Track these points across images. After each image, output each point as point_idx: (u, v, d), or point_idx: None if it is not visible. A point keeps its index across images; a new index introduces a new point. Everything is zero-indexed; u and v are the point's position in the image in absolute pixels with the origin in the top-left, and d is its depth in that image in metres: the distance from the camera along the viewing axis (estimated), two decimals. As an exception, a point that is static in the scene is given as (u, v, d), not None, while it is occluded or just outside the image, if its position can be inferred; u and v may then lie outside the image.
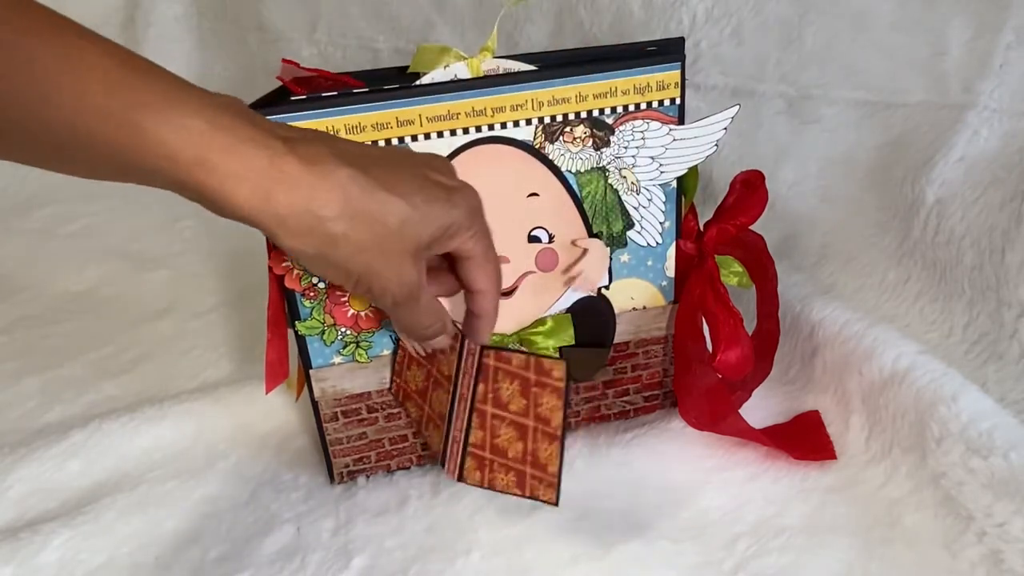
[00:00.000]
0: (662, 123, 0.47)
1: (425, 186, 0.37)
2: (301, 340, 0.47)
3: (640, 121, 0.46)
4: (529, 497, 0.43)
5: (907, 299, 0.57)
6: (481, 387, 0.44)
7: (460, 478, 0.45)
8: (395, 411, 0.50)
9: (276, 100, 0.43)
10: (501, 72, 0.45)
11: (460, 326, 0.44)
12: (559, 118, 0.45)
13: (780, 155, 0.67)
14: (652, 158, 0.47)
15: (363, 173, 0.35)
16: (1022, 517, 0.40)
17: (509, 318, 0.49)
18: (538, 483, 0.43)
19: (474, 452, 0.44)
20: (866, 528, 0.45)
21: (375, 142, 0.43)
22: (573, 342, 0.51)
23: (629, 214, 0.49)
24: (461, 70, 0.45)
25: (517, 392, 0.43)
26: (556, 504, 0.43)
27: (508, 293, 0.48)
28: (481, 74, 0.45)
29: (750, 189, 0.51)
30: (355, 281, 0.37)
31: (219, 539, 0.48)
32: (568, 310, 0.50)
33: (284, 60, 0.50)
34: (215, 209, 0.34)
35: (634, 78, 0.45)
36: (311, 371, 0.48)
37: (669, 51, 0.46)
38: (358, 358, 0.48)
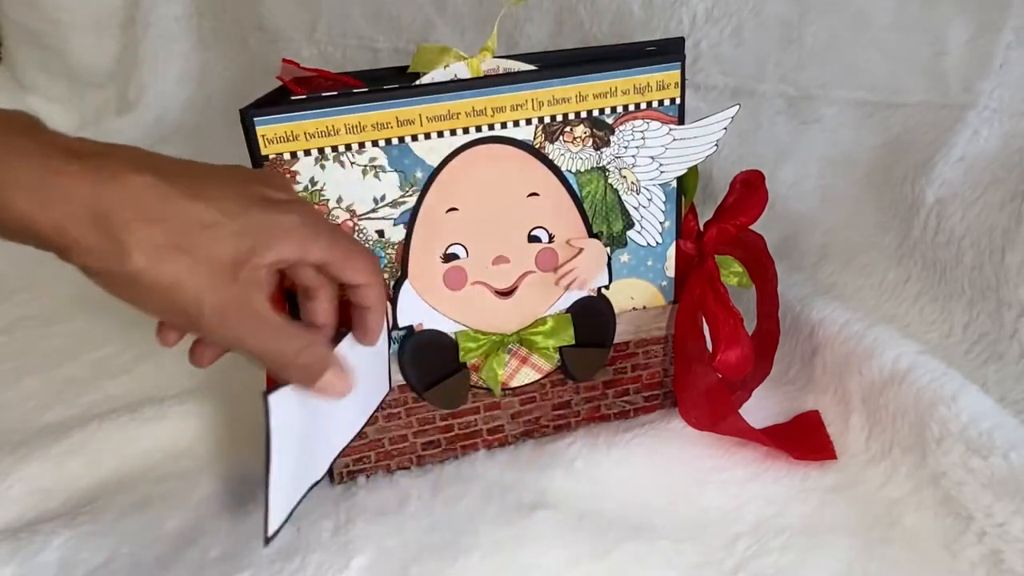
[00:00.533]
0: (662, 123, 0.47)
1: (246, 197, 0.34)
2: (301, 340, 0.47)
3: (640, 121, 0.46)
4: None
5: (907, 299, 0.57)
6: None
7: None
8: (395, 411, 0.50)
9: (276, 100, 0.43)
10: (501, 72, 0.45)
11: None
12: (559, 118, 0.45)
13: (780, 155, 0.67)
14: (652, 158, 0.47)
15: (163, 181, 0.32)
16: (1022, 517, 0.40)
17: (509, 318, 0.49)
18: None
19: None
20: (866, 528, 0.45)
21: (375, 142, 0.43)
22: (573, 342, 0.51)
23: (629, 214, 0.49)
24: (461, 70, 0.45)
25: None
26: (265, 545, 0.38)
27: (508, 293, 0.48)
28: (481, 74, 0.45)
29: (750, 189, 0.51)
30: (166, 302, 0.33)
31: (219, 539, 0.48)
32: (568, 310, 0.50)
33: (284, 60, 0.50)
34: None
35: (634, 78, 0.45)
36: (311, 371, 0.48)
37: (669, 51, 0.46)
38: (358, 358, 0.48)
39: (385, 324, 0.44)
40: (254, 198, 0.34)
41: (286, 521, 0.39)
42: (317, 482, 0.42)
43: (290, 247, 0.35)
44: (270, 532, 0.37)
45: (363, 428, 0.45)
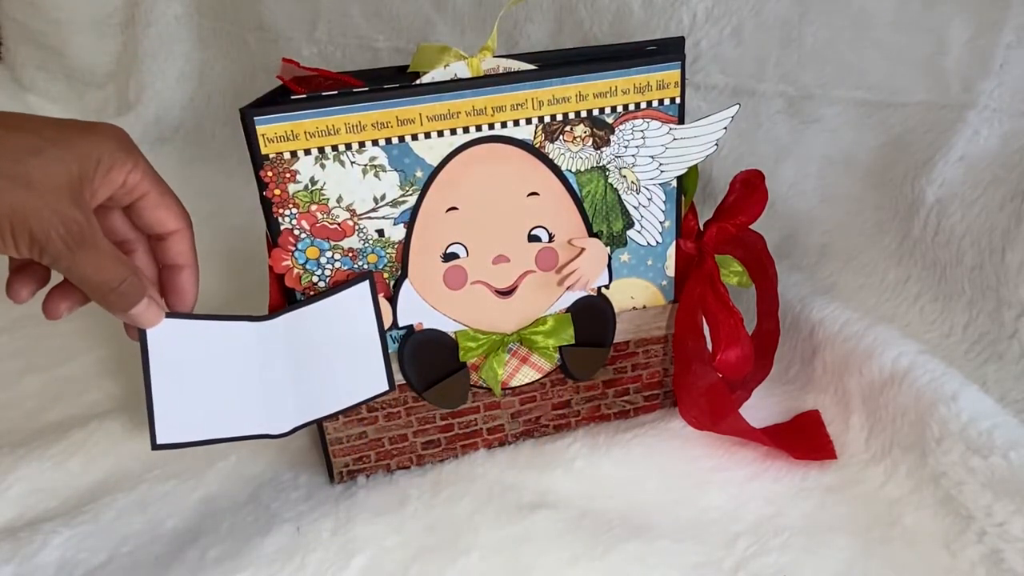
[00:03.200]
0: (662, 122, 0.47)
1: (57, 123, 0.34)
2: (301, 339, 0.47)
3: (640, 120, 0.46)
4: None
5: (907, 299, 0.57)
6: None
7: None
8: (395, 410, 0.50)
9: (276, 99, 0.43)
10: (501, 71, 0.45)
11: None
12: (559, 117, 0.45)
13: (780, 155, 0.67)
14: (652, 157, 0.47)
15: None
16: (1022, 517, 0.40)
17: (509, 317, 0.49)
18: None
19: None
20: (866, 528, 0.45)
21: (375, 141, 0.43)
22: (573, 342, 0.51)
23: (629, 213, 0.49)
24: (461, 69, 0.45)
25: None
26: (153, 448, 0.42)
27: (508, 293, 0.48)
28: (481, 73, 0.45)
29: (750, 188, 0.51)
30: (10, 231, 0.32)
31: (219, 539, 0.48)
32: (568, 310, 0.50)
33: (284, 59, 0.50)
34: None
35: (634, 77, 0.45)
36: (311, 371, 0.48)
37: (669, 50, 0.46)
38: (358, 358, 0.48)
39: (378, 321, 0.44)
40: (64, 122, 0.35)
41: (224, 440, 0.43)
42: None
43: (116, 175, 0.35)
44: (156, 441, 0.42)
45: (342, 411, 0.46)
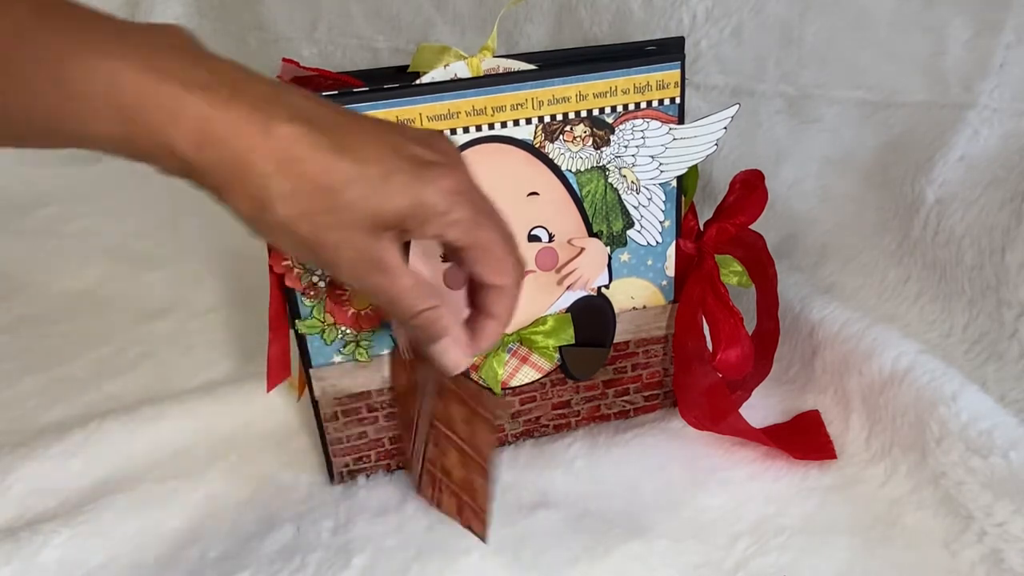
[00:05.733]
0: (662, 122, 0.47)
1: (391, 156, 0.32)
2: (301, 339, 0.47)
3: (640, 120, 0.46)
4: (464, 526, 0.44)
5: (907, 299, 0.57)
6: (441, 405, 0.43)
7: (419, 490, 0.45)
8: (395, 410, 0.50)
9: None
10: (501, 71, 0.45)
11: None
12: (559, 117, 0.45)
13: (780, 155, 0.67)
14: (652, 157, 0.47)
15: (314, 131, 0.31)
16: (1022, 516, 0.40)
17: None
18: (472, 514, 0.43)
19: (428, 468, 0.45)
20: (866, 527, 0.45)
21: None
22: (573, 341, 0.51)
23: (629, 213, 0.49)
24: (461, 69, 0.45)
25: (463, 418, 0.43)
26: (485, 541, 0.42)
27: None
28: (481, 73, 0.45)
29: (750, 188, 0.51)
30: (306, 250, 0.33)
31: (219, 539, 0.48)
32: (568, 309, 0.50)
33: (284, 59, 0.50)
34: (152, 161, 0.30)
35: (634, 77, 0.45)
36: (311, 370, 0.48)
37: (669, 50, 0.46)
38: (358, 357, 0.48)
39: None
40: (404, 158, 0.33)
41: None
42: None
43: (432, 228, 0.33)
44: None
45: None
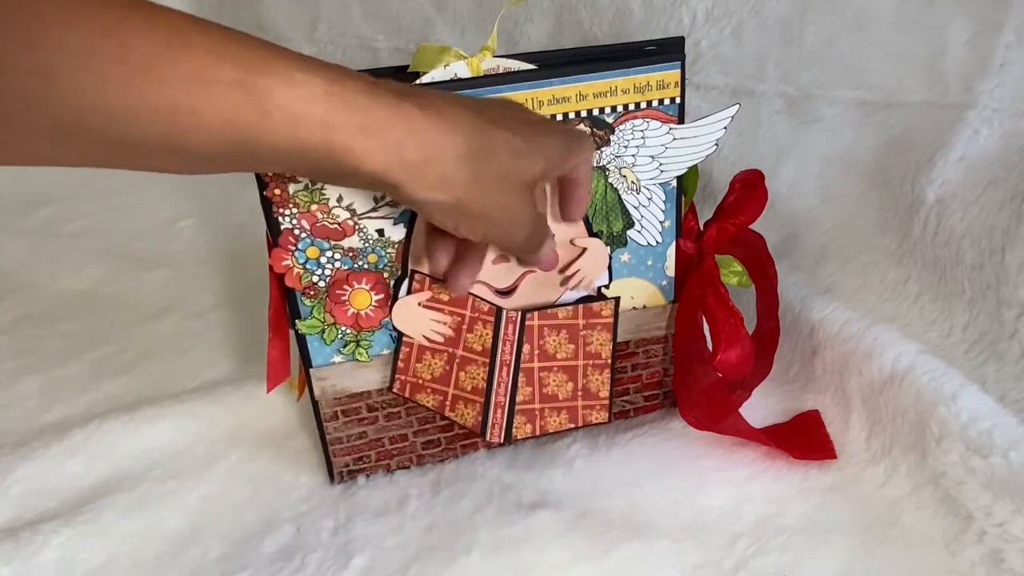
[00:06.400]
0: (662, 122, 0.47)
1: (523, 122, 0.38)
2: (301, 339, 0.47)
3: (640, 120, 0.46)
4: (582, 425, 0.50)
5: (907, 299, 0.57)
6: (526, 348, 0.47)
7: (507, 438, 0.48)
8: (395, 410, 0.50)
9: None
10: (501, 71, 0.45)
11: (494, 302, 0.46)
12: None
13: (780, 155, 0.67)
14: (652, 157, 0.47)
15: (474, 112, 0.35)
16: (1022, 517, 0.40)
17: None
18: (590, 411, 0.49)
19: (522, 409, 0.48)
20: (866, 527, 0.45)
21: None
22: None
23: (629, 213, 0.49)
24: (461, 69, 0.45)
25: (565, 340, 0.48)
26: (609, 421, 0.50)
27: (508, 292, 0.48)
28: (481, 73, 0.45)
29: (750, 188, 0.51)
30: (485, 226, 0.37)
31: (219, 539, 0.48)
32: (568, 310, 0.50)
33: (284, 60, 0.50)
34: (340, 171, 0.33)
35: (634, 77, 0.45)
36: (311, 370, 0.48)
37: (669, 50, 0.46)
38: (358, 357, 0.48)
39: None
40: (531, 123, 0.38)
41: None
42: None
43: (561, 163, 0.39)
44: None
45: None
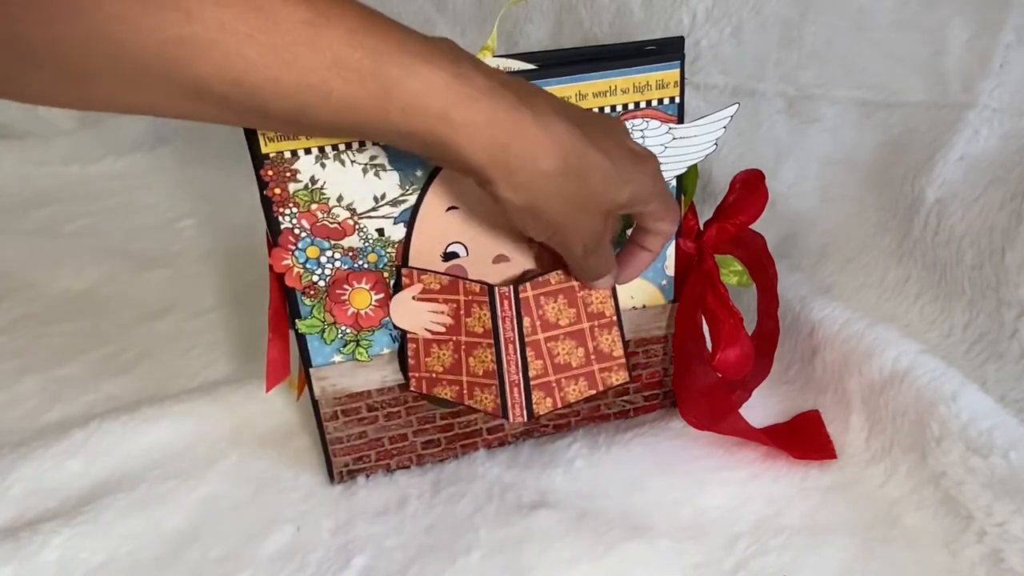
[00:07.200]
0: (662, 122, 0.47)
1: (619, 151, 0.38)
2: (301, 338, 0.47)
3: (640, 120, 0.46)
4: (603, 390, 0.48)
5: (907, 299, 0.57)
6: (526, 320, 0.46)
7: (531, 416, 0.46)
8: (395, 410, 0.50)
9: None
10: (501, 71, 0.45)
11: (485, 281, 0.45)
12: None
13: (780, 154, 0.67)
14: (652, 157, 0.47)
15: (579, 129, 0.36)
16: (1022, 516, 0.40)
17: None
18: (608, 373, 0.48)
19: (538, 384, 0.46)
20: (866, 527, 0.45)
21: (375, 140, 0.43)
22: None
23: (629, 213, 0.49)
24: (461, 69, 0.45)
25: (564, 305, 0.46)
26: (630, 379, 0.49)
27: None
28: (481, 73, 0.45)
29: (750, 188, 0.51)
30: (552, 231, 0.38)
31: (219, 539, 0.48)
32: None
33: (284, 59, 0.50)
34: (441, 156, 0.34)
35: (634, 77, 0.45)
36: (311, 370, 0.48)
37: (669, 50, 0.46)
38: (358, 356, 0.48)
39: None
40: (626, 150, 0.39)
41: None
42: None
43: (643, 206, 0.41)
44: None
45: None
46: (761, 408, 0.54)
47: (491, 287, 0.45)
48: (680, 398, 0.53)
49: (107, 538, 0.48)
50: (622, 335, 0.48)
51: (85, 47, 0.27)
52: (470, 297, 0.46)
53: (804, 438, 0.51)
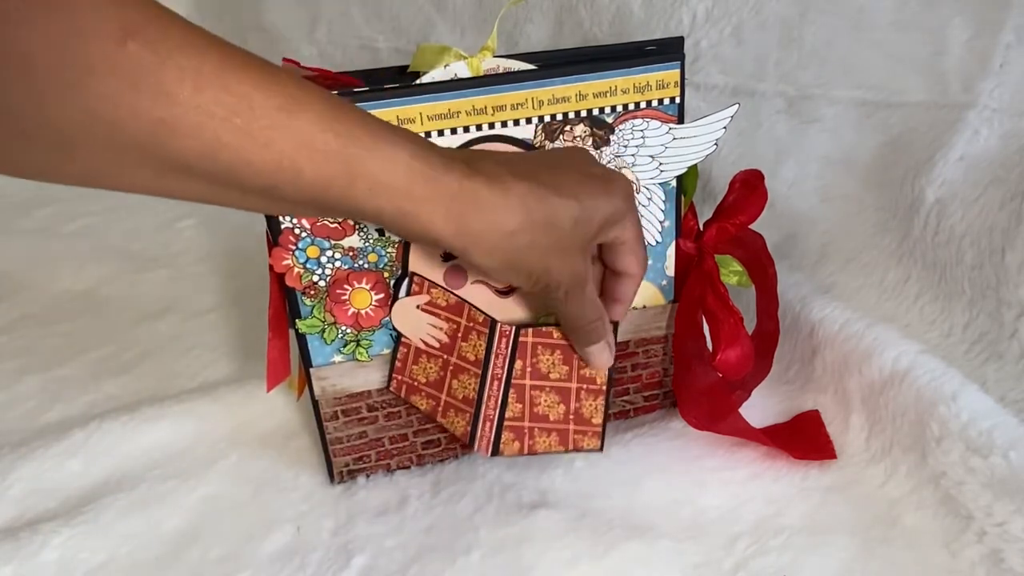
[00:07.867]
0: (662, 122, 0.47)
1: (586, 181, 0.39)
2: (301, 338, 0.47)
3: (640, 120, 0.46)
4: (572, 450, 0.48)
5: (907, 299, 0.57)
6: (519, 363, 0.46)
7: (495, 452, 0.47)
8: (395, 410, 0.50)
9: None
10: (501, 71, 0.45)
11: (490, 314, 0.46)
12: (559, 117, 0.45)
13: (780, 154, 0.67)
14: (652, 157, 0.47)
15: (536, 183, 0.37)
16: (1022, 516, 0.40)
17: (509, 317, 0.49)
18: (582, 436, 0.48)
19: (511, 425, 0.47)
20: (866, 527, 0.45)
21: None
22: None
23: (629, 213, 0.49)
24: (461, 69, 0.45)
25: (559, 361, 0.47)
26: (600, 450, 0.48)
27: (508, 292, 0.48)
28: (481, 73, 0.45)
29: (749, 188, 0.51)
30: (534, 280, 0.39)
31: (219, 539, 0.48)
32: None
33: (284, 59, 0.50)
34: (408, 232, 0.36)
35: (634, 77, 0.45)
36: (311, 370, 0.48)
37: (669, 50, 0.46)
38: (358, 356, 0.48)
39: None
40: (591, 176, 0.39)
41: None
42: None
43: (615, 230, 0.41)
44: None
45: None
46: (761, 408, 0.54)
47: (494, 322, 0.46)
48: (680, 398, 0.53)
49: (107, 538, 0.48)
50: (607, 405, 0.48)
51: (73, 123, 0.28)
52: (472, 324, 0.46)
53: (804, 438, 0.51)
